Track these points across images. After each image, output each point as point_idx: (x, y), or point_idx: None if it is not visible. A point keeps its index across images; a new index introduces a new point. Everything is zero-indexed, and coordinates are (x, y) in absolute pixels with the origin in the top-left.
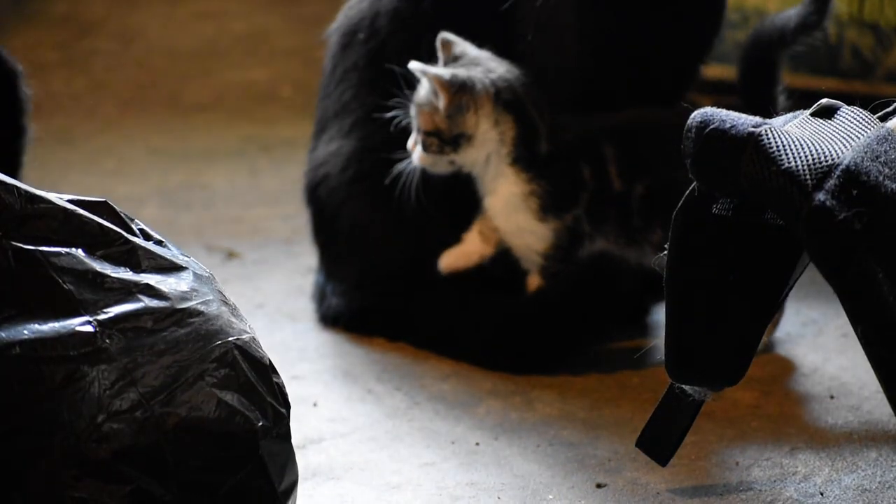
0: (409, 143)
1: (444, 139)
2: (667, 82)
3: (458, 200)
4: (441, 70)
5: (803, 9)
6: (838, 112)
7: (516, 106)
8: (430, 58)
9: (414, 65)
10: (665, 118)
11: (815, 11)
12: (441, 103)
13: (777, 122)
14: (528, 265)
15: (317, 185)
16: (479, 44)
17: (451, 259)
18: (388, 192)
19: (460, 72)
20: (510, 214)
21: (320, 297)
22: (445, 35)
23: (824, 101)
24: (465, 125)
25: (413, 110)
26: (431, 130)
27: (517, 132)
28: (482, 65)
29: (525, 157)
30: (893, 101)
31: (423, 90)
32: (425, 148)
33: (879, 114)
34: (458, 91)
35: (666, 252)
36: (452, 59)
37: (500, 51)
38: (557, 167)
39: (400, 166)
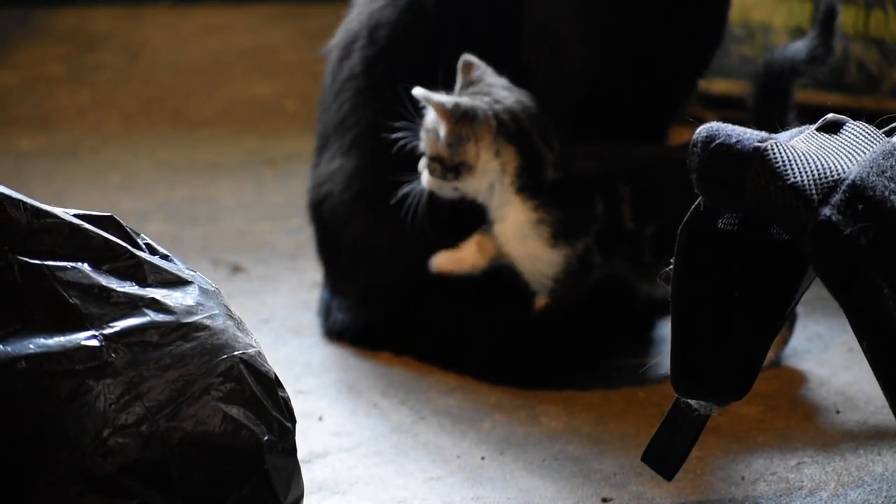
0: (420, 165)
1: (446, 166)
2: (670, 88)
3: (464, 228)
4: (444, 98)
5: (811, 42)
6: (844, 127)
7: (519, 137)
8: (428, 65)
9: (418, 91)
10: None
11: (822, 45)
12: (442, 131)
13: (783, 136)
14: (537, 287)
15: (320, 202)
16: (483, 52)
17: (444, 260)
18: (390, 210)
19: (464, 100)
20: (520, 241)
21: (326, 312)
22: (468, 57)
23: (830, 116)
24: (465, 154)
25: (422, 133)
26: (434, 156)
27: (519, 163)
28: (492, 94)
29: (530, 186)
30: None
31: (431, 115)
32: (430, 172)
33: (885, 129)
34: (460, 120)
35: (671, 267)
36: (468, 84)
37: (505, 60)
38: (566, 195)
39: (407, 188)
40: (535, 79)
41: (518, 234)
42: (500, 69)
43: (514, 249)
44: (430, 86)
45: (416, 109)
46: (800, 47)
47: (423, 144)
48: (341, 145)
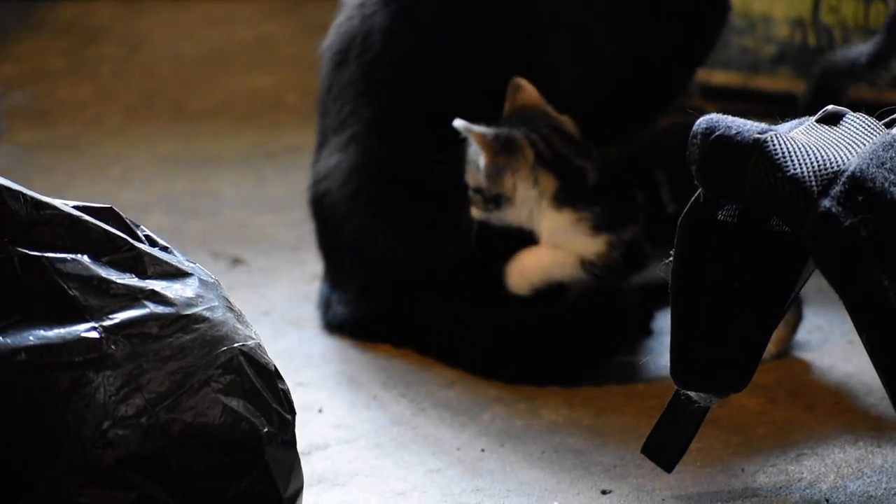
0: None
1: (486, 197)
2: (670, 85)
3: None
4: (484, 129)
5: (874, 45)
6: (844, 118)
7: (557, 163)
8: (427, 63)
9: (458, 123)
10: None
11: (889, 38)
12: (482, 162)
13: (782, 128)
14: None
15: (319, 198)
16: (482, 50)
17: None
18: (388, 205)
19: (503, 131)
20: (561, 239)
21: (325, 305)
22: (519, 80)
23: (830, 107)
24: (503, 186)
25: (467, 166)
26: (476, 188)
27: (558, 185)
28: (531, 121)
29: (569, 200)
30: None
31: (473, 147)
32: (474, 203)
33: (885, 120)
34: (500, 152)
35: (671, 259)
36: (514, 110)
37: (505, 58)
38: (605, 191)
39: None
40: (536, 75)
41: (558, 238)
42: (500, 67)
43: (556, 247)
44: (431, 85)
45: (417, 105)
46: (863, 49)
47: (467, 176)
48: (339, 142)
